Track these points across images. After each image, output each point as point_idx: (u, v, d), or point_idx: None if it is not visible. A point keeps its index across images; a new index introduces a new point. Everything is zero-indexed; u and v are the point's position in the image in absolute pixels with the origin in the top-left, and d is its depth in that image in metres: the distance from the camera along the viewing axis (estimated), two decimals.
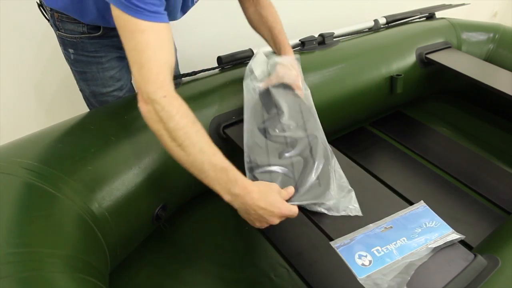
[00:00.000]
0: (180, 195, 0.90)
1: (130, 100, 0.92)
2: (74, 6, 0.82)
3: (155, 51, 0.64)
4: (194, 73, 1.02)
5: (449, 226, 0.69)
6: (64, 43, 0.91)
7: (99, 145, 0.75)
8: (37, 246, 0.54)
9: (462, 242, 0.69)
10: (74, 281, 0.53)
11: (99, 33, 0.87)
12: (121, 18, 0.63)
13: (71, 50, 0.91)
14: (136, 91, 0.69)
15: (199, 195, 1.00)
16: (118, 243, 0.72)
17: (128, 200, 0.74)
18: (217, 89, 0.96)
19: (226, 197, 0.67)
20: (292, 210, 0.67)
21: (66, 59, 0.95)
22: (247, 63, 0.96)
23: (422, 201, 0.74)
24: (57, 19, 0.86)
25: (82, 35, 0.87)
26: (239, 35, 1.20)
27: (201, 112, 0.91)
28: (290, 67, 0.92)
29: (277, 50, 0.97)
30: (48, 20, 0.92)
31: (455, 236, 0.67)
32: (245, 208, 0.67)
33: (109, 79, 0.95)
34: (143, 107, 0.66)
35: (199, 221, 0.97)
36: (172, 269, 0.84)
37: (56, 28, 0.89)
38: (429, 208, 0.73)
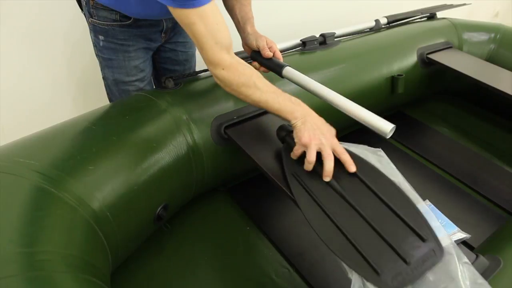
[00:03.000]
0: (181, 195, 0.90)
1: (131, 100, 0.92)
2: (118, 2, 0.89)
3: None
4: (196, 73, 1.02)
5: (454, 225, 0.69)
6: (96, 30, 0.97)
7: (100, 145, 0.75)
8: (40, 246, 0.54)
9: (463, 242, 0.69)
10: (77, 282, 0.53)
11: (129, 22, 0.93)
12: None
13: (101, 37, 0.97)
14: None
15: (200, 195, 1.00)
16: (119, 244, 0.72)
17: (130, 201, 0.74)
18: (218, 89, 0.96)
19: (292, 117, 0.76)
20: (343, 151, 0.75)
21: (95, 46, 1.01)
22: (249, 62, 0.95)
23: (427, 200, 0.74)
24: (92, 6, 0.93)
25: (114, 23, 0.93)
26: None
27: (202, 112, 0.91)
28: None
29: (241, 22, 0.97)
30: (82, 10, 0.97)
31: (461, 235, 0.67)
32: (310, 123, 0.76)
33: (133, 68, 1.01)
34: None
35: (200, 221, 0.97)
36: (173, 269, 0.84)
37: (90, 15, 0.95)
38: (434, 206, 0.73)
